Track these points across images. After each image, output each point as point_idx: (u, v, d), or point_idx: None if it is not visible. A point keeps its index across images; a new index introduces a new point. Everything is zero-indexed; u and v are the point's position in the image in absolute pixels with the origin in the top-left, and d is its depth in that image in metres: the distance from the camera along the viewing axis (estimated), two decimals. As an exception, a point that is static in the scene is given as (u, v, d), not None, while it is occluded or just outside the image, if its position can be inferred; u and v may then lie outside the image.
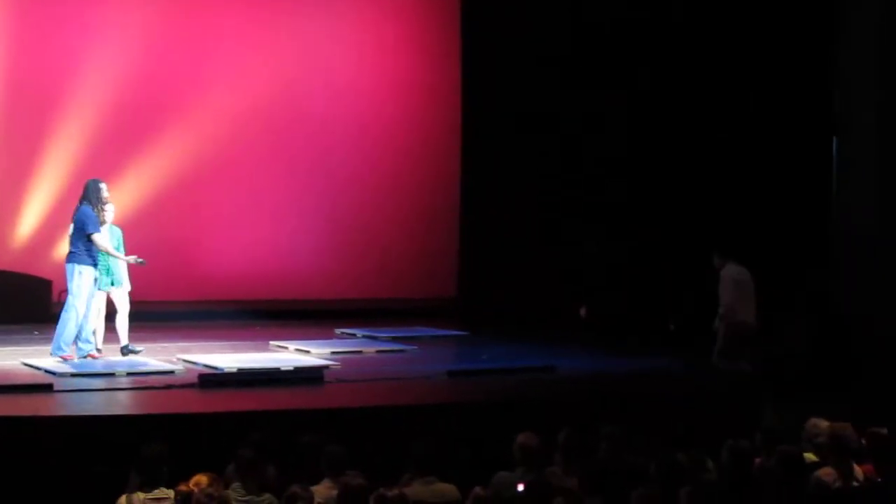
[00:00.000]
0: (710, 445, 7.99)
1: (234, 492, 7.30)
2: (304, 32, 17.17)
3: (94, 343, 11.88)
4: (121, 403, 10.20)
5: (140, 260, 11.98)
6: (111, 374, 11.10)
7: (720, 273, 12.69)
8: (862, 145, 14.73)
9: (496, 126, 17.31)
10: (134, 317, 12.41)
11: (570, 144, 16.79)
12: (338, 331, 14.92)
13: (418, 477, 7.61)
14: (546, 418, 8.97)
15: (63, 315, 11.63)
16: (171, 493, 7.30)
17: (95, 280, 11.83)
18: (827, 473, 7.63)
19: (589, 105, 16.53)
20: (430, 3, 18.09)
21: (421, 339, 14.39)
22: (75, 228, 11.73)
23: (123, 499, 7.37)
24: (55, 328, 11.70)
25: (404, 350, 13.58)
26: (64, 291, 12.02)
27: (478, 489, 7.11)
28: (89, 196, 11.80)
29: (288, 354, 12.87)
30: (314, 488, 7.19)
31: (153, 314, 14.59)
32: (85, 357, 11.67)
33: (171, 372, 11.26)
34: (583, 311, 15.19)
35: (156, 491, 7.35)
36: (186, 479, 7.33)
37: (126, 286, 12.19)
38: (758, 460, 7.75)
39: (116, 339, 12.15)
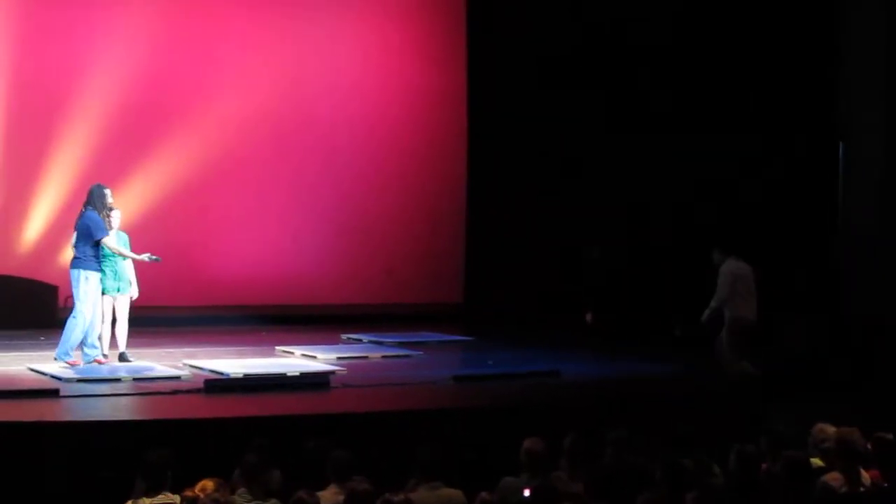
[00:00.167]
0: (716, 450, 7.98)
1: (240, 497, 7.30)
2: (309, 36, 17.17)
3: (100, 348, 11.87)
4: (127, 409, 10.19)
5: (155, 257, 11.98)
6: (117, 380, 11.10)
7: (719, 269, 12.69)
8: (868, 149, 14.74)
9: (502, 129, 17.32)
10: (140, 322, 12.41)
11: (576, 146, 16.79)
12: (344, 336, 14.93)
13: (424, 482, 7.59)
14: (552, 423, 8.97)
15: (70, 321, 11.63)
16: (176, 498, 7.29)
17: (102, 285, 11.85)
18: (833, 478, 7.62)
19: (592, 106, 16.54)
20: (436, 6, 18.10)
21: (427, 345, 14.39)
22: (80, 234, 11.73)
23: (129, 504, 7.37)
24: (61, 333, 11.70)
25: (410, 355, 13.57)
26: (70, 297, 12.01)
27: (484, 494, 7.09)
28: (94, 201, 11.80)
29: (294, 360, 12.87)
30: (320, 494, 7.18)
31: (159, 319, 14.63)
32: (91, 362, 11.67)
33: (177, 377, 11.26)
34: (589, 317, 15.18)
35: (161, 496, 7.34)
36: (192, 484, 7.32)
37: (134, 291, 12.18)
38: (764, 466, 7.73)
39: (114, 346, 12.14)
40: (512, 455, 7.95)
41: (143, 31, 16.19)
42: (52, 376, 11.10)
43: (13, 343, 13.37)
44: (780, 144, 15.54)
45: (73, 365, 11.53)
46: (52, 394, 10.27)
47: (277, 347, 13.57)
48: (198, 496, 7.12)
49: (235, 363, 12.02)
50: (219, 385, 10.85)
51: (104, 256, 11.88)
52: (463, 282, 17.78)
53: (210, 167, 16.55)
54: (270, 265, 16.81)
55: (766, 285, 13.16)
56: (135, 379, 11.15)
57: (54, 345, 11.88)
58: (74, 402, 10.18)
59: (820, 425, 8.34)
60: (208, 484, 7.25)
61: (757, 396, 11.52)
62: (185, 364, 11.96)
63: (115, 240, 11.94)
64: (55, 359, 11.59)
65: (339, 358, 12.84)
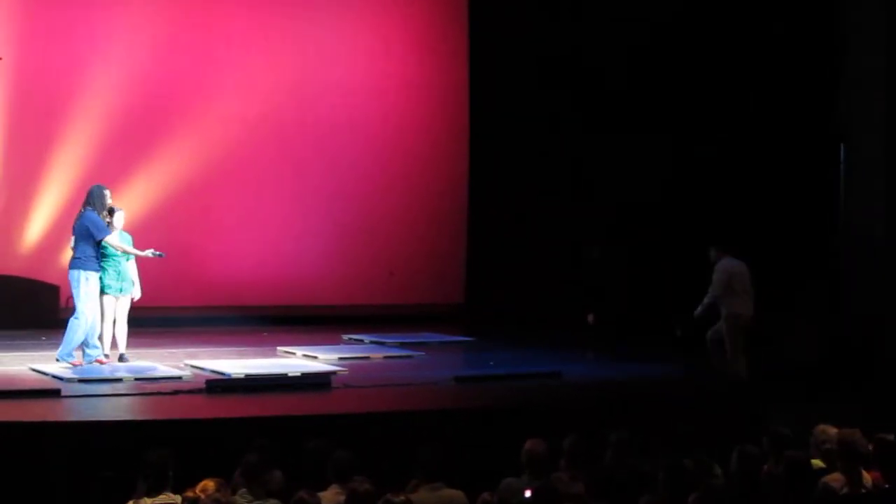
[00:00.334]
0: (716, 450, 7.98)
1: (241, 497, 7.30)
2: (311, 36, 17.17)
3: (101, 348, 11.87)
4: (128, 409, 10.19)
5: (158, 252, 11.99)
6: (118, 380, 11.11)
7: (715, 266, 12.73)
8: (869, 150, 14.74)
9: (503, 129, 17.32)
10: (142, 322, 12.41)
11: (577, 147, 16.79)
12: (345, 336, 14.92)
13: (425, 483, 7.59)
14: (553, 424, 8.97)
15: (72, 321, 11.62)
16: (177, 498, 7.30)
17: (103, 285, 11.85)
18: (835, 479, 7.62)
19: (593, 106, 16.54)
20: (438, 5, 18.09)
21: (428, 345, 14.39)
22: (80, 234, 11.71)
23: (131, 504, 7.37)
24: (63, 334, 11.70)
25: (412, 356, 13.57)
26: (71, 297, 12.01)
27: (485, 495, 7.10)
28: (93, 201, 11.79)
29: (295, 360, 12.87)
30: (321, 494, 7.18)
31: (161, 319, 14.65)
32: (92, 362, 11.68)
33: (179, 377, 11.27)
34: (590, 318, 15.18)
35: (162, 496, 7.34)
36: (193, 484, 7.33)
37: (137, 292, 12.18)
38: (766, 467, 7.73)
39: (115, 346, 12.14)
40: (513, 456, 7.95)
41: (144, 32, 16.19)
42: (54, 376, 11.11)
43: (14, 343, 13.38)
44: (781, 145, 15.53)
45: (74, 365, 11.54)
46: (54, 394, 10.28)
47: (279, 348, 13.56)
48: (199, 496, 7.12)
49: (237, 363, 12.02)
50: (220, 385, 10.85)
51: (107, 256, 11.88)
52: (464, 282, 17.78)
53: (212, 167, 16.55)
54: (272, 266, 16.81)
55: (767, 286, 13.17)
56: (136, 379, 11.16)
57: (55, 345, 11.88)
58: (76, 402, 10.18)
59: (821, 426, 8.34)
60: (209, 484, 7.25)
61: (758, 397, 11.52)
62: (186, 364, 11.97)
63: (118, 238, 11.94)
64: (57, 360, 11.59)
65: (340, 358, 12.84)
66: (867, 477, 7.75)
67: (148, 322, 12.90)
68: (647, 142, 16.35)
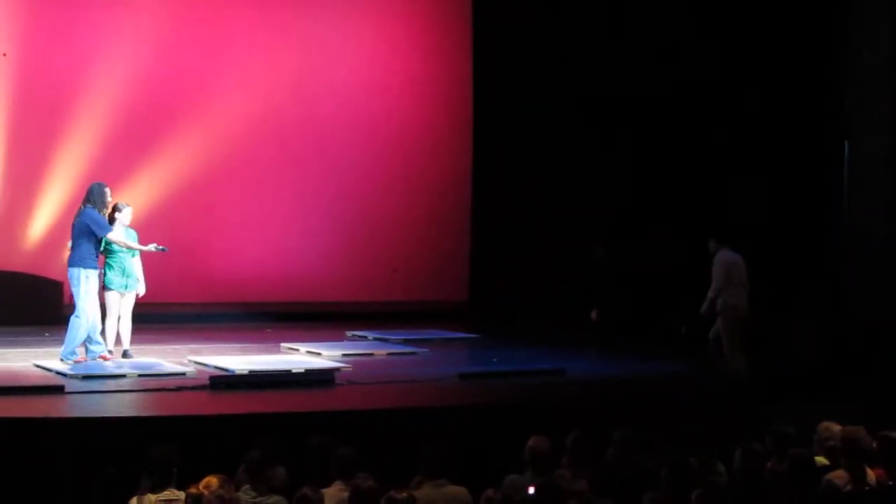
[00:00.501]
0: (720, 448, 7.98)
1: (245, 494, 7.31)
2: (314, 35, 17.17)
3: (105, 344, 11.88)
4: (132, 405, 10.19)
5: (161, 247, 12.00)
6: (122, 376, 11.12)
7: (713, 258, 12.76)
8: (870, 151, 14.71)
9: (507, 128, 17.31)
10: (146, 318, 12.42)
11: (581, 145, 16.78)
12: (349, 333, 14.92)
13: (429, 479, 7.60)
14: (557, 421, 8.96)
15: (73, 320, 11.62)
16: (181, 494, 7.30)
17: (107, 281, 11.86)
18: (838, 476, 7.62)
19: (594, 106, 16.53)
20: (441, 2, 18.09)
21: (432, 342, 14.39)
22: (79, 231, 11.69)
23: (134, 500, 7.37)
24: (66, 331, 11.70)
25: (415, 352, 13.58)
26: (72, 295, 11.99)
27: (488, 492, 7.11)
28: (94, 199, 11.78)
29: (299, 356, 12.88)
30: (325, 490, 7.19)
31: (164, 316, 14.66)
32: (96, 359, 11.68)
33: (183, 374, 11.28)
34: (594, 315, 15.17)
35: (166, 492, 7.36)
36: (197, 480, 7.33)
37: (141, 288, 12.17)
38: (769, 464, 7.73)
39: (118, 342, 12.14)
40: (516, 453, 7.95)
41: (147, 29, 16.19)
42: (58, 373, 11.12)
43: (18, 339, 13.39)
44: (784, 144, 15.50)
45: (79, 362, 11.54)
46: (58, 390, 10.29)
47: (282, 344, 13.57)
48: (202, 493, 7.12)
49: (240, 360, 12.04)
50: (224, 382, 10.87)
51: (111, 252, 11.90)
52: (468, 279, 17.77)
53: (215, 165, 16.56)
54: (275, 262, 16.82)
55: (767, 286, 13.15)
56: (140, 375, 11.17)
57: (59, 341, 11.89)
58: (79, 398, 10.19)
59: (825, 424, 8.34)
60: (213, 480, 7.25)
61: (761, 396, 11.51)
62: (190, 360, 11.98)
63: (122, 234, 11.94)
64: (61, 360, 11.59)
65: (344, 355, 12.85)
66: (871, 474, 7.75)
67: (152, 318, 12.91)
68: (650, 139, 16.34)
